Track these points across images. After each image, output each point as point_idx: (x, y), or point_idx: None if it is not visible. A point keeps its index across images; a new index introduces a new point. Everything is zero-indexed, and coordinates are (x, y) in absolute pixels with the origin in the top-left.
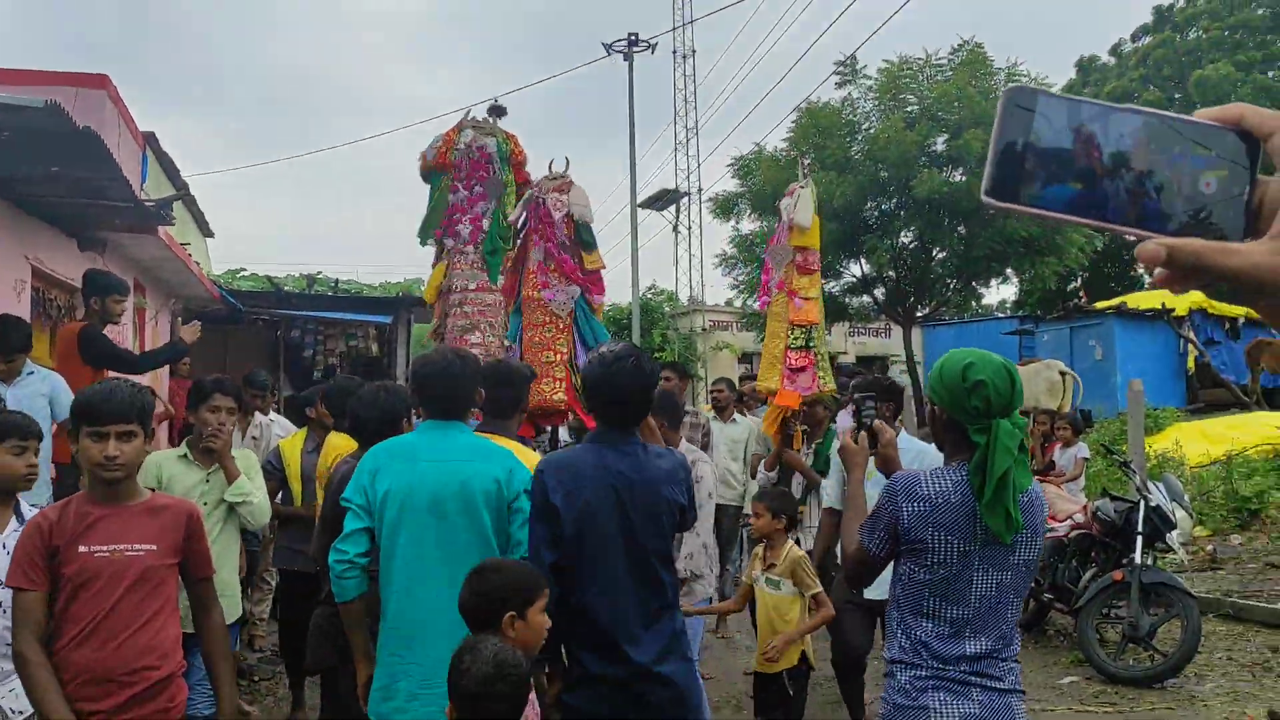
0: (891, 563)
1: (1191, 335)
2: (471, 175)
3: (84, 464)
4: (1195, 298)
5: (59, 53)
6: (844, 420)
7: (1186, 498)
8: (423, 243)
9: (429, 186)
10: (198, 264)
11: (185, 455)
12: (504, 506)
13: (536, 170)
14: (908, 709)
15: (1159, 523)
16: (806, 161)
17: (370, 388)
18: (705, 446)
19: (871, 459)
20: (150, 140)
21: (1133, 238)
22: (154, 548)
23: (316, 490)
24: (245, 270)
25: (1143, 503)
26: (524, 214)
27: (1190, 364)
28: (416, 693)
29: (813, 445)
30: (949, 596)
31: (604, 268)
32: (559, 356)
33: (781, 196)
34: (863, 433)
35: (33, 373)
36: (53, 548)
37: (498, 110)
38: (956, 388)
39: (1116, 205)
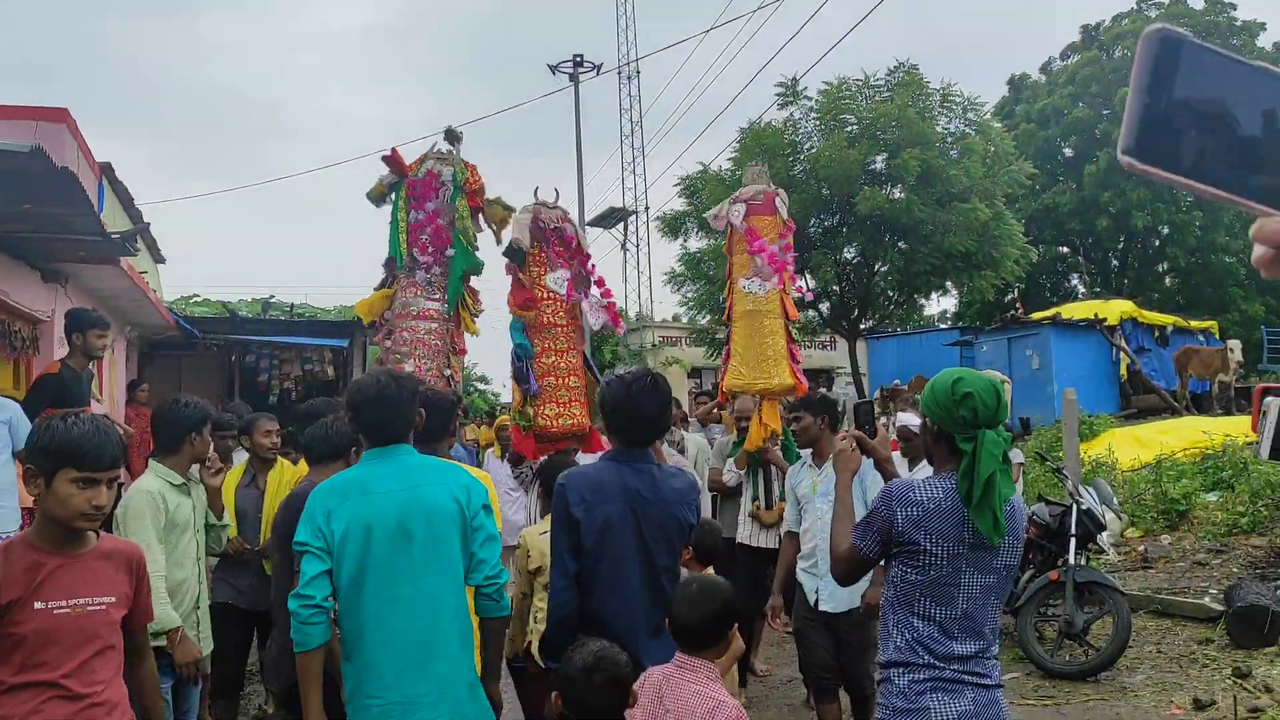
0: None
1: (1123, 344)
2: (424, 195)
3: (57, 510)
4: (1126, 307)
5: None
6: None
7: (1116, 500)
8: (400, 265)
9: (391, 208)
10: (154, 291)
11: (174, 482)
12: (467, 525)
13: (519, 201)
14: (907, 711)
15: (1090, 525)
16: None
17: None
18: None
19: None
20: (106, 170)
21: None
22: (112, 599)
23: (262, 527)
24: (198, 295)
25: (1075, 506)
26: (531, 238)
27: (1123, 371)
28: None
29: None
30: (939, 598)
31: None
32: (575, 381)
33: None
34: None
35: None
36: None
37: (454, 136)
38: (946, 400)
39: (1267, 181)
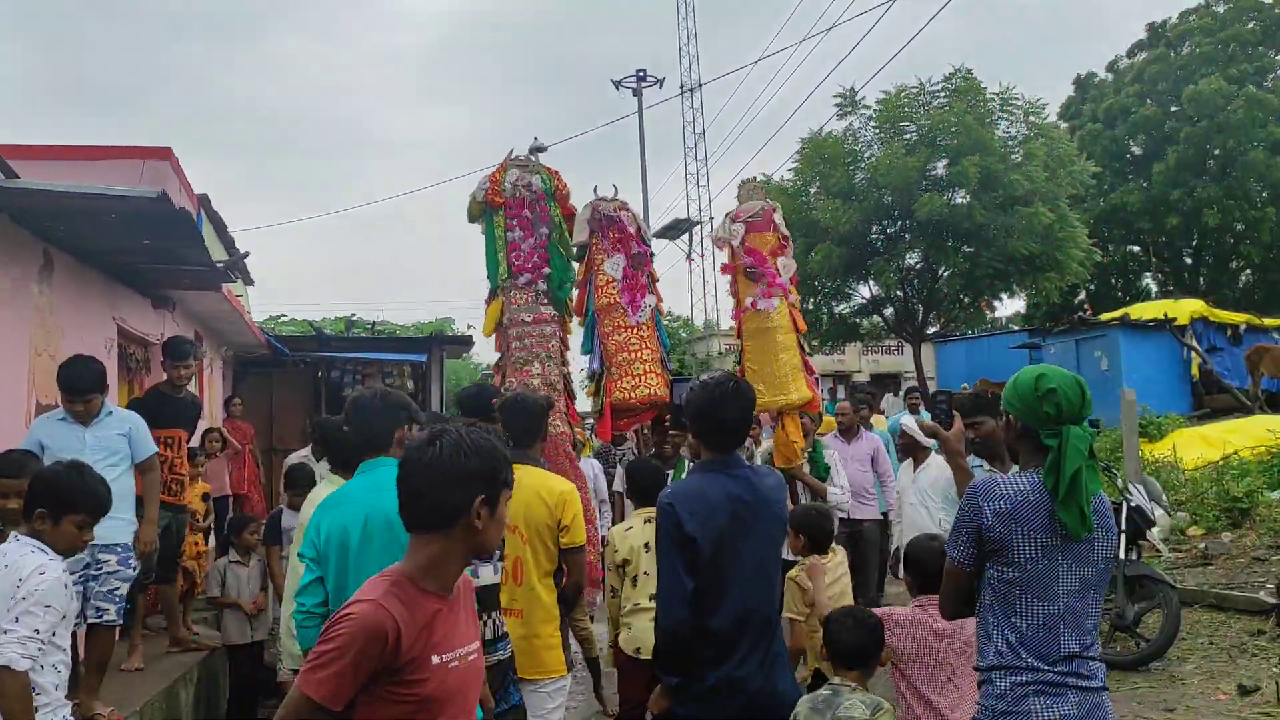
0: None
1: (1194, 343)
2: (522, 212)
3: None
4: (1196, 306)
5: (62, 94)
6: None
7: (1165, 498)
8: (494, 284)
9: (484, 227)
10: (248, 313)
11: None
12: None
13: (579, 201)
14: (1008, 714)
15: (1140, 521)
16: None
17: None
18: None
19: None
20: (203, 201)
21: None
22: (477, 644)
23: None
24: (285, 315)
25: (1125, 503)
26: (590, 230)
27: (1194, 371)
28: None
29: (805, 453)
30: (1039, 593)
31: (658, 279)
32: (648, 354)
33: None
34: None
35: (111, 413)
36: (401, 662)
37: (538, 149)
38: (1030, 396)
39: None
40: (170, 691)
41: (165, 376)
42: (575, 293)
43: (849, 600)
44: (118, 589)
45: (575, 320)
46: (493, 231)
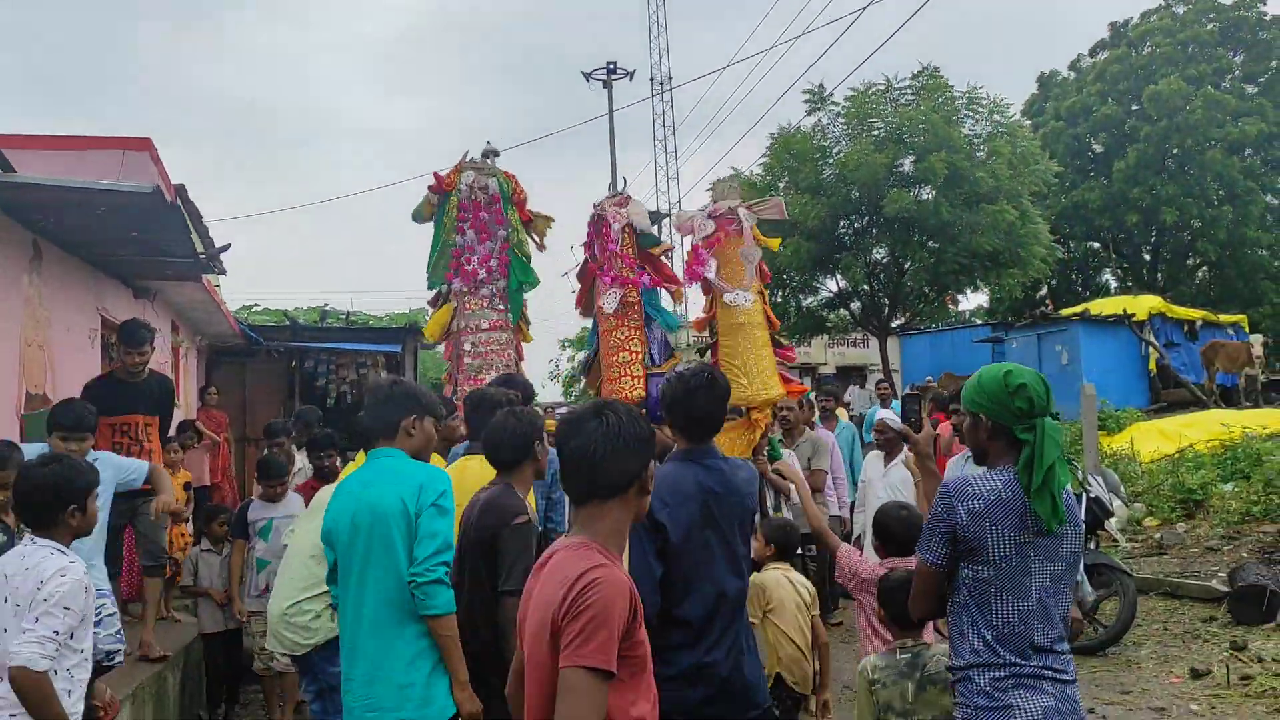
0: None
1: (1152, 339)
2: (479, 215)
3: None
4: (1154, 302)
5: (23, 85)
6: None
7: (1123, 489)
8: (431, 286)
9: (433, 227)
10: (224, 304)
11: None
12: (412, 523)
13: (513, 171)
14: (991, 710)
15: (1098, 511)
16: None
17: (500, 414)
18: None
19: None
20: (180, 192)
21: None
22: None
23: None
24: (259, 305)
25: (1084, 494)
26: (588, 232)
27: (1152, 366)
28: (350, 707)
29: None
30: (1013, 590)
31: (671, 249)
32: (634, 355)
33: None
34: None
35: (96, 458)
36: (633, 623)
37: (493, 152)
38: (1000, 394)
39: None
40: (159, 676)
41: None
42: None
43: (790, 616)
44: (119, 629)
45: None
46: (439, 233)
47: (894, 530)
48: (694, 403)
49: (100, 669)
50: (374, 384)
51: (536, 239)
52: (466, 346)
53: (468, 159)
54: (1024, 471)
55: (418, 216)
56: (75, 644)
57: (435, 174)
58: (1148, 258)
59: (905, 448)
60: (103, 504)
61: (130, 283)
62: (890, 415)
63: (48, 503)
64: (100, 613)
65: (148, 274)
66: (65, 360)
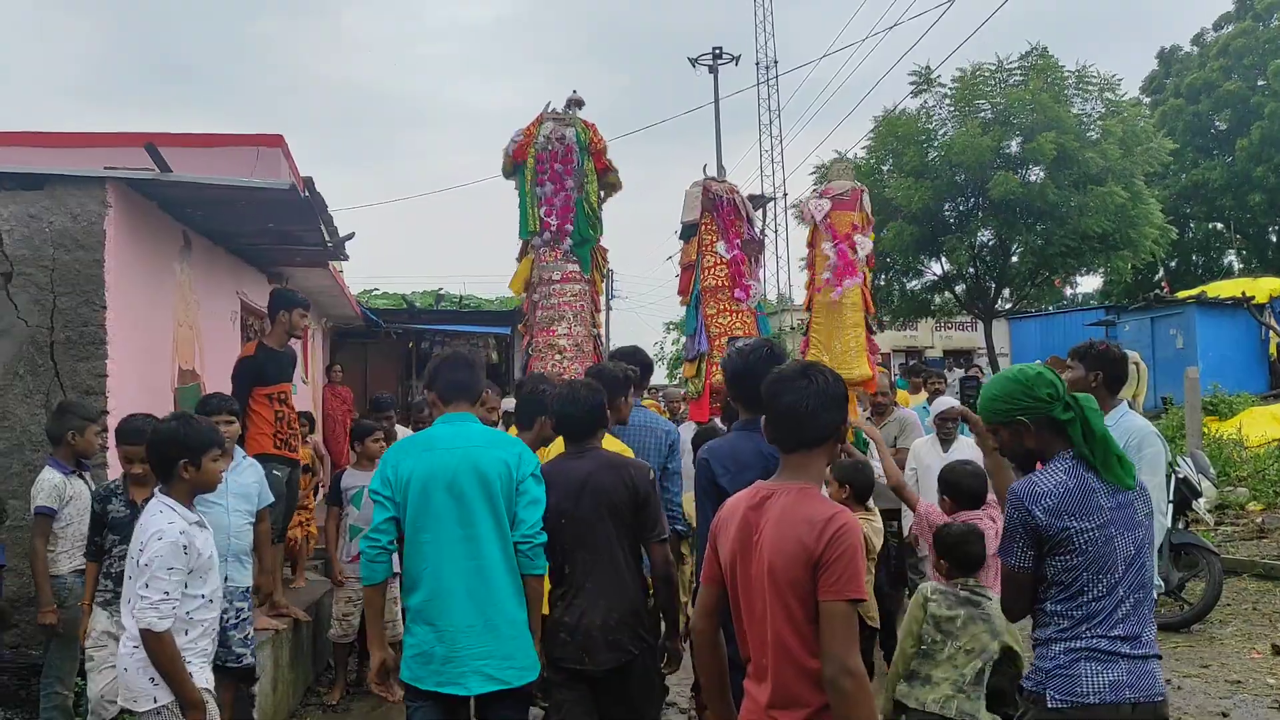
0: None
1: (1272, 322)
2: (553, 166)
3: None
4: (1276, 285)
5: (146, 74)
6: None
7: (1213, 471)
8: (525, 238)
9: (516, 182)
10: (348, 288)
11: None
12: (514, 487)
13: (619, 157)
14: (1056, 674)
15: (1187, 492)
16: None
17: (566, 384)
18: None
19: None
20: (309, 184)
21: None
22: None
23: None
24: (378, 289)
25: (1173, 475)
26: (701, 210)
27: (1273, 350)
28: (449, 656)
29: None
30: (1100, 568)
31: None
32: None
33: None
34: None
35: (245, 459)
36: None
37: (576, 102)
38: (1024, 392)
39: None
40: (296, 629)
41: (270, 331)
42: (680, 273)
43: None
44: (251, 635)
45: (678, 300)
46: (524, 186)
47: (963, 485)
48: (753, 375)
49: (227, 670)
50: (455, 351)
51: (604, 193)
52: (537, 298)
53: (549, 109)
54: (1083, 444)
55: (505, 171)
56: (191, 591)
57: (522, 141)
58: (1273, 239)
59: (960, 434)
60: (252, 506)
61: (265, 269)
62: (951, 402)
63: (165, 455)
64: (239, 616)
65: (280, 261)
66: (211, 339)
